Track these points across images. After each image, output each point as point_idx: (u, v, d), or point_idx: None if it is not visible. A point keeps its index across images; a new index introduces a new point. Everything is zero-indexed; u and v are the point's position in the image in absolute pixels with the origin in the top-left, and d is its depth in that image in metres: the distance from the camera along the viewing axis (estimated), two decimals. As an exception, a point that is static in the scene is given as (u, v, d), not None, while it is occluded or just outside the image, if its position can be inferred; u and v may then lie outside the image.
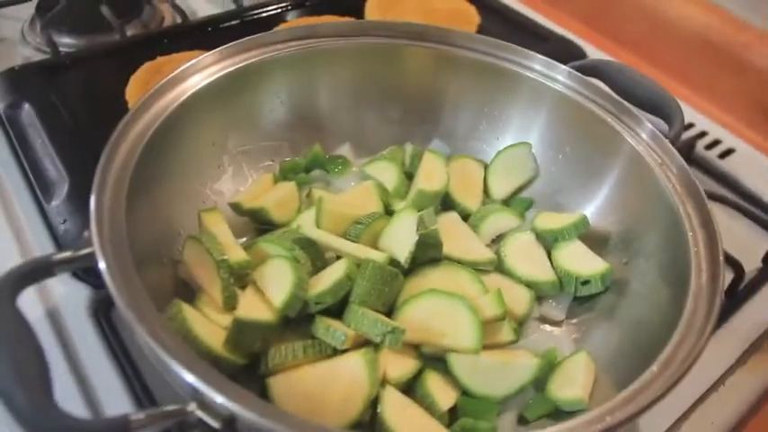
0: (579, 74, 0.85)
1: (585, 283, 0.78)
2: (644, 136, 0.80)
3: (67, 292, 0.80)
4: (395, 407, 0.64)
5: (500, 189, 0.89)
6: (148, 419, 0.52)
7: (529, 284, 0.78)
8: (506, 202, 0.89)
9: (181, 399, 0.54)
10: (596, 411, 0.55)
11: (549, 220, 0.84)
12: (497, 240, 0.84)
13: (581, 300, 0.80)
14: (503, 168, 0.89)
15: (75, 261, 0.61)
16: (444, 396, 0.67)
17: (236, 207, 0.81)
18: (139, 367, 0.73)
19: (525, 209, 0.88)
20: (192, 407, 0.52)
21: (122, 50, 1.12)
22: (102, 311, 0.78)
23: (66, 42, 1.17)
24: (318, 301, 0.68)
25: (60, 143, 0.92)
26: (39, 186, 0.89)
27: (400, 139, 0.92)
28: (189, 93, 0.77)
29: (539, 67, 0.87)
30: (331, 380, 0.64)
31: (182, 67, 0.78)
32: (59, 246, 0.84)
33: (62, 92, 1.01)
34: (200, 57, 0.79)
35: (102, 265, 0.58)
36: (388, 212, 0.81)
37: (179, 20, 1.20)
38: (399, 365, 0.67)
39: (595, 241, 0.82)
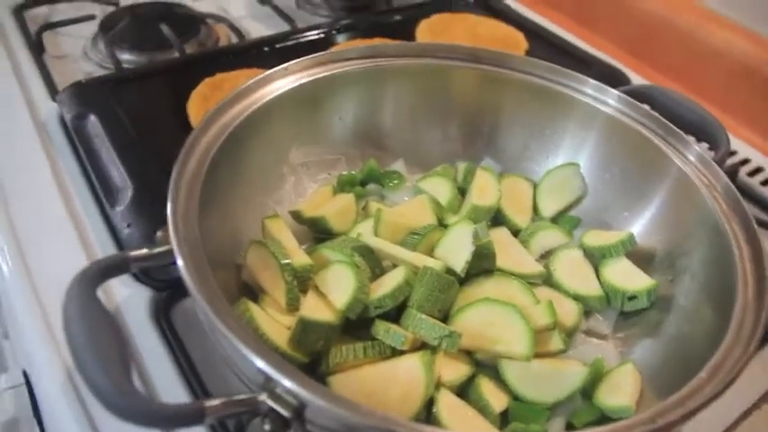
0: (628, 97, 0.87)
1: (632, 298, 0.80)
2: (691, 157, 0.82)
3: (130, 294, 0.83)
4: (450, 407, 0.67)
5: (549, 207, 0.91)
6: (222, 406, 0.55)
7: (576, 298, 0.80)
8: (555, 220, 0.91)
9: (246, 392, 0.57)
10: (646, 413, 0.57)
11: (596, 238, 0.86)
12: (546, 256, 0.86)
13: (627, 315, 0.82)
14: (551, 187, 0.92)
15: (151, 258, 0.65)
16: (497, 400, 0.69)
17: (296, 215, 0.84)
18: (198, 368, 0.76)
19: (573, 227, 0.90)
20: (264, 396, 0.55)
21: (182, 67, 1.17)
22: (163, 313, 0.81)
23: (127, 59, 1.23)
24: (378, 305, 0.71)
25: (124, 152, 0.97)
26: (104, 193, 0.93)
27: (453, 157, 0.96)
28: (255, 106, 0.80)
29: (590, 90, 0.90)
30: (389, 380, 0.67)
31: (248, 82, 0.81)
32: (122, 249, 0.87)
33: (125, 104, 1.06)
34: (268, 72, 0.83)
35: (179, 261, 0.61)
36: (442, 226, 0.84)
37: (235, 39, 1.25)
38: (454, 369, 0.70)
39: (641, 258, 0.84)
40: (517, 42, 1.24)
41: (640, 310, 0.81)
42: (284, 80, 0.84)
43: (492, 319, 0.72)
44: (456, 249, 0.76)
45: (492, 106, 0.94)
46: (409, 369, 0.67)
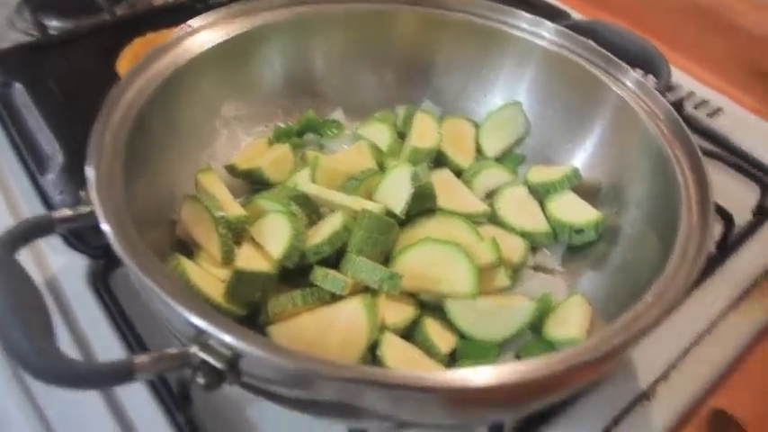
0: (564, 29, 0.86)
1: (579, 231, 0.79)
2: (630, 85, 0.81)
3: (66, 262, 0.81)
4: (395, 350, 0.65)
5: (492, 147, 0.90)
6: (152, 362, 0.52)
7: (523, 235, 0.79)
8: (499, 160, 0.90)
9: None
10: (592, 340, 0.56)
11: (541, 174, 0.85)
12: (490, 196, 0.85)
13: (574, 249, 0.81)
14: (494, 126, 0.90)
15: (76, 219, 0.61)
16: (443, 340, 0.68)
17: (231, 169, 0.81)
18: (141, 334, 0.73)
19: (517, 165, 0.89)
20: (195, 349, 0.53)
21: (112, 29, 1.12)
22: (101, 280, 0.78)
23: (55, 26, 1.18)
24: (316, 252, 0.69)
25: (53, 119, 0.93)
26: (33, 161, 0.90)
27: (392, 103, 0.93)
28: (183, 59, 0.77)
29: (526, 25, 0.88)
30: (330, 325, 0.65)
31: (174, 36, 0.78)
32: (56, 217, 0.84)
33: (53, 71, 1.02)
34: (193, 23, 0.80)
35: (101, 217, 0.58)
36: (383, 171, 0.82)
37: (168, -1, 1.20)
38: (398, 312, 0.68)
39: (587, 192, 0.83)
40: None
41: (588, 243, 0.80)
42: (212, 31, 0.81)
43: (434, 258, 0.70)
44: (395, 191, 0.74)
45: (428, 48, 0.92)
46: (350, 313, 0.65)
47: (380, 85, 0.94)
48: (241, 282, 0.66)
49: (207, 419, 0.67)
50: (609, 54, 0.83)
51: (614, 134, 0.82)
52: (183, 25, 0.80)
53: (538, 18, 0.88)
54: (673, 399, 0.75)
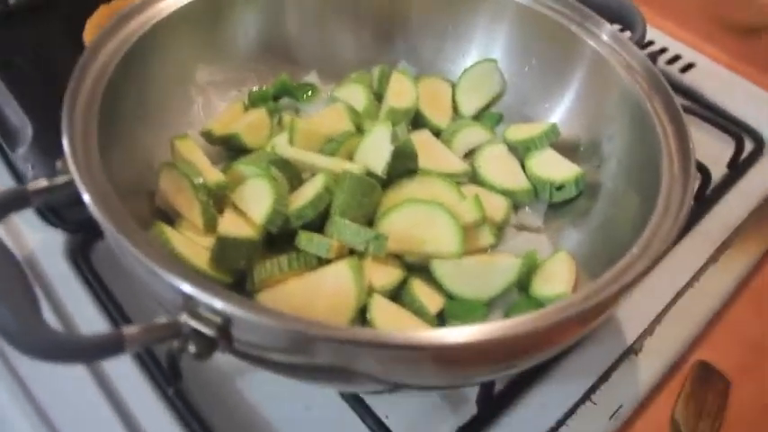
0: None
1: (560, 188, 0.79)
2: (606, 38, 0.80)
3: (43, 239, 0.79)
4: (384, 312, 0.65)
5: (469, 106, 0.89)
6: (142, 333, 0.51)
7: (504, 193, 0.79)
8: (476, 119, 0.89)
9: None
10: (579, 294, 0.56)
11: (519, 131, 0.84)
12: (470, 155, 0.84)
13: (556, 206, 0.81)
14: (470, 85, 0.89)
15: (52, 190, 0.60)
16: (431, 301, 0.68)
17: (207, 135, 0.80)
18: (124, 308, 0.73)
19: (495, 123, 0.89)
20: (184, 317, 0.52)
21: (76, -3, 1.09)
22: (81, 254, 0.77)
23: (14, -4, 1.14)
24: (300, 216, 0.69)
25: (20, 90, 0.90)
26: (2, 136, 0.88)
27: (366, 64, 0.92)
28: (151, 23, 0.75)
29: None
30: (318, 290, 0.65)
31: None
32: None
33: (16, 42, 0.98)
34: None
35: (82, 189, 0.57)
36: (361, 132, 0.81)
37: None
38: (384, 274, 0.68)
39: (567, 148, 0.83)
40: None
41: (569, 200, 0.81)
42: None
43: (418, 219, 0.70)
44: (375, 152, 0.73)
45: (403, 8, 0.90)
46: (337, 276, 0.65)
47: (355, 46, 0.92)
48: (225, 248, 0.65)
49: (197, 393, 0.67)
50: (584, 8, 0.82)
51: (592, 89, 0.82)
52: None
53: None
54: (658, 353, 0.76)
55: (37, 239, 0.79)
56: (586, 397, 0.71)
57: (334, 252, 0.66)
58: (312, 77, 0.90)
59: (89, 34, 0.96)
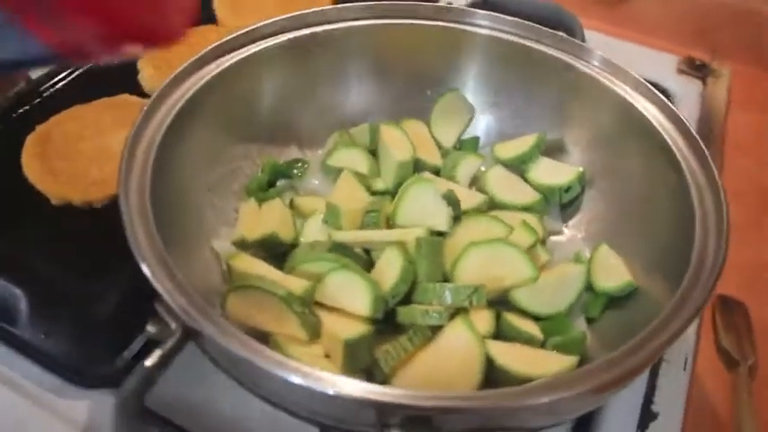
0: (479, 10, 0.90)
1: (567, 190, 0.86)
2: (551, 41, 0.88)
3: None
4: (506, 353, 0.68)
5: (447, 138, 0.93)
6: None
7: (524, 209, 0.84)
8: (458, 149, 0.94)
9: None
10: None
11: (508, 149, 0.90)
12: (472, 185, 0.89)
13: (564, 206, 0.88)
14: (443, 119, 0.93)
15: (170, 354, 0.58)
16: (531, 328, 0.72)
17: (241, 243, 0.77)
18: None
19: (476, 147, 0.94)
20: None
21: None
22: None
23: None
24: (395, 294, 0.70)
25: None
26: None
27: (337, 125, 0.92)
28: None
29: (429, 12, 0.90)
30: (447, 356, 0.67)
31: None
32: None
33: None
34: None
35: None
36: (374, 194, 0.83)
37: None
38: (482, 321, 0.71)
39: (555, 152, 0.91)
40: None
41: (575, 197, 0.88)
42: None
43: (486, 260, 0.74)
44: (427, 210, 0.76)
45: (361, 59, 0.92)
46: (458, 338, 0.67)
47: (321, 112, 0.92)
48: (354, 351, 0.65)
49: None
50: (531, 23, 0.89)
51: (564, 96, 0.89)
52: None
53: (443, 6, 0.91)
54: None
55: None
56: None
57: (446, 317, 0.69)
58: (294, 151, 0.90)
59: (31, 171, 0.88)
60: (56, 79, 1.05)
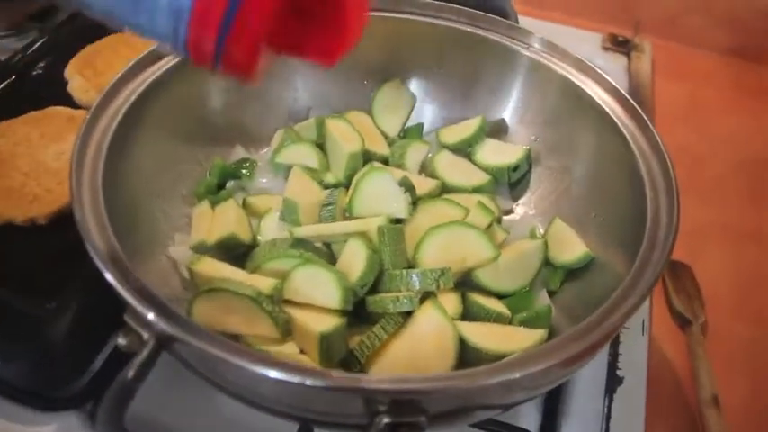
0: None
1: (515, 168, 0.88)
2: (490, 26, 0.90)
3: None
4: (477, 333, 0.69)
5: (391, 127, 0.94)
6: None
7: (475, 190, 0.86)
8: (403, 137, 0.94)
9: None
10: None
11: (453, 133, 0.91)
12: (421, 171, 0.90)
13: (513, 184, 0.90)
14: (385, 108, 0.94)
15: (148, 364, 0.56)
16: (497, 305, 0.74)
17: (200, 247, 0.76)
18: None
19: (420, 134, 0.94)
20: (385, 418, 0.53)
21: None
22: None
23: None
24: (363, 284, 0.70)
25: None
26: None
27: (283, 122, 0.92)
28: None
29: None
30: (421, 341, 0.67)
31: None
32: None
33: None
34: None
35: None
36: (326, 188, 0.83)
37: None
38: (450, 303, 0.72)
39: (498, 132, 0.92)
40: None
41: (523, 175, 0.90)
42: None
43: (447, 242, 0.74)
44: (385, 198, 0.76)
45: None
46: (430, 321, 0.68)
47: (265, 110, 0.92)
48: (330, 344, 0.64)
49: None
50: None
51: (506, 78, 0.91)
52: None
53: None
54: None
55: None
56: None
57: (417, 302, 0.69)
58: (239, 152, 0.89)
59: None
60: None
